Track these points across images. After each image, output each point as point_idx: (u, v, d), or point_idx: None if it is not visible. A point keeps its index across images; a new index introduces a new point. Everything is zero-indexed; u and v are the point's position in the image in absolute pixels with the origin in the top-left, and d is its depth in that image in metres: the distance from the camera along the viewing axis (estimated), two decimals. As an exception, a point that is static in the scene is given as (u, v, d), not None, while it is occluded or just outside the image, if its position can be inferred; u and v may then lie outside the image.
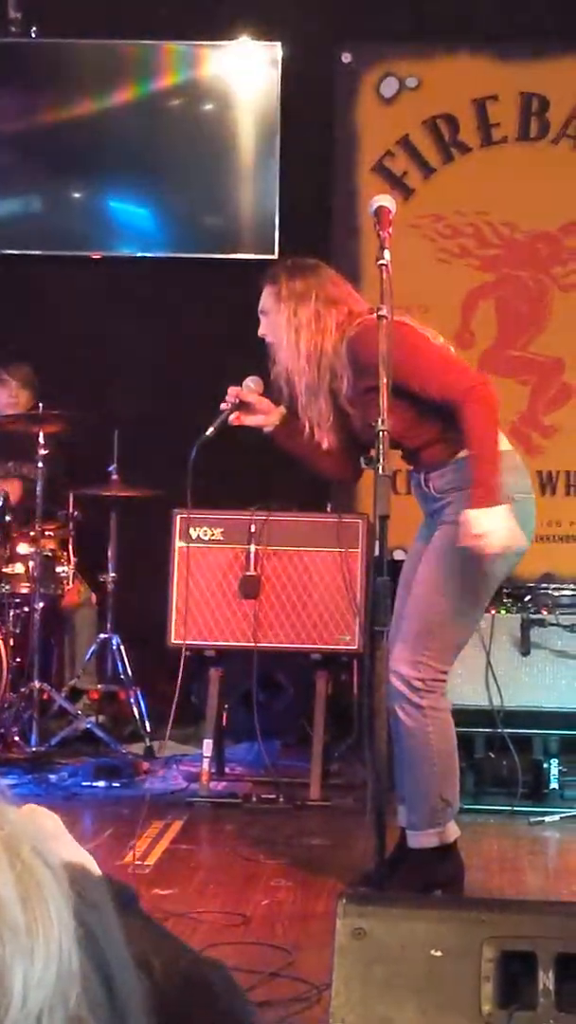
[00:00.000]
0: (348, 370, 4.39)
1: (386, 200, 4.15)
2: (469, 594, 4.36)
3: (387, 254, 4.00)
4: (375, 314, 3.96)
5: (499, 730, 5.64)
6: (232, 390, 4.63)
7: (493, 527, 4.14)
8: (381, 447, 3.84)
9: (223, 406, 4.64)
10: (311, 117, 7.62)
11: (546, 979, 2.64)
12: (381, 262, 3.99)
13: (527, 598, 6.08)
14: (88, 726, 6.35)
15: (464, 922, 2.75)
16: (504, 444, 4.43)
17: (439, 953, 2.71)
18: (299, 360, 4.45)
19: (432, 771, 4.34)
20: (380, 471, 3.83)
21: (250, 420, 4.66)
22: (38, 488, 6.43)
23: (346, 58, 7.64)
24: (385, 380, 3.86)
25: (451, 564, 4.32)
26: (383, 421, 3.86)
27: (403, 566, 4.61)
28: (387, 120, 7.67)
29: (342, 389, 4.42)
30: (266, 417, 4.64)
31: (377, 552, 3.85)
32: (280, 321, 4.49)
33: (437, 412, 4.34)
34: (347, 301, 4.49)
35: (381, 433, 3.86)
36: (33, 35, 7.67)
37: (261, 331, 4.58)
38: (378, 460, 3.84)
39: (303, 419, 4.50)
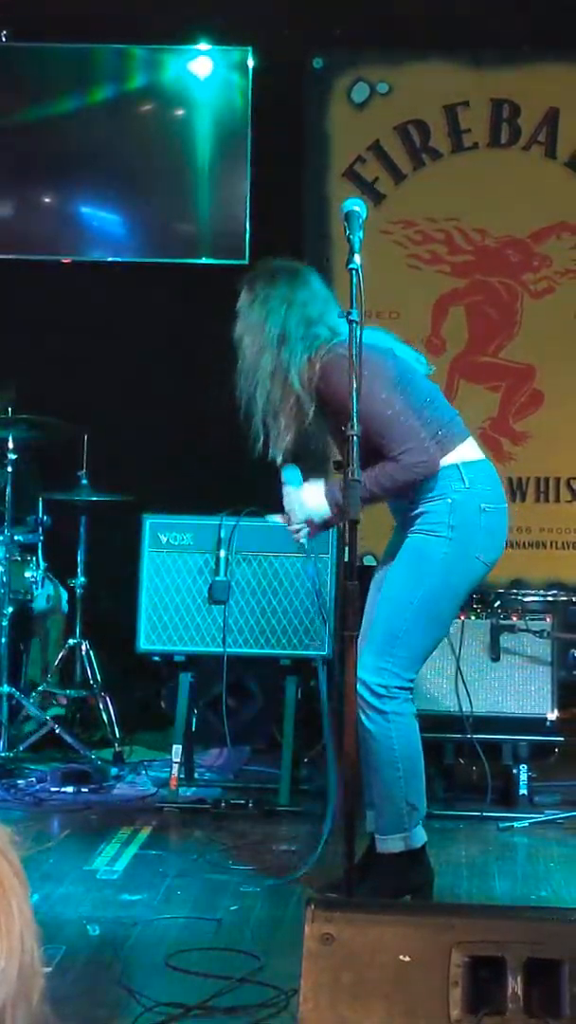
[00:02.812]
0: (314, 393, 4.36)
1: (357, 204, 4.15)
2: (437, 603, 4.36)
3: (358, 259, 4.00)
4: (347, 317, 3.95)
5: (469, 736, 5.64)
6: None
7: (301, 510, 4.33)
8: (352, 452, 3.84)
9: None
10: (282, 122, 7.62)
11: (515, 984, 2.63)
12: (351, 267, 3.99)
13: (497, 604, 6.09)
14: (57, 731, 6.32)
15: (433, 927, 2.74)
16: (477, 453, 4.45)
17: (408, 958, 2.70)
18: (265, 377, 4.40)
19: (396, 776, 4.34)
20: (350, 476, 3.82)
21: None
22: (7, 493, 6.40)
23: (317, 63, 7.65)
24: (356, 386, 3.86)
25: (420, 573, 4.32)
26: (354, 426, 3.85)
27: (374, 575, 4.61)
28: (358, 126, 7.68)
29: (307, 411, 4.39)
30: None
31: (347, 557, 3.85)
32: (250, 330, 4.45)
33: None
34: (322, 318, 4.42)
35: (352, 438, 3.86)
36: (3, 39, 7.65)
37: (236, 332, 4.51)
38: (348, 465, 3.84)
39: (258, 429, 4.45)
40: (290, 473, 4.41)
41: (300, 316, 4.37)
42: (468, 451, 4.43)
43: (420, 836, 4.41)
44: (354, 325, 3.91)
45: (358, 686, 4.26)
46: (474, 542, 4.36)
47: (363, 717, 4.28)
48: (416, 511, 4.37)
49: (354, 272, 3.97)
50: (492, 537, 4.43)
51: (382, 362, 4.31)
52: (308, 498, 4.36)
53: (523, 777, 5.75)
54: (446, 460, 4.36)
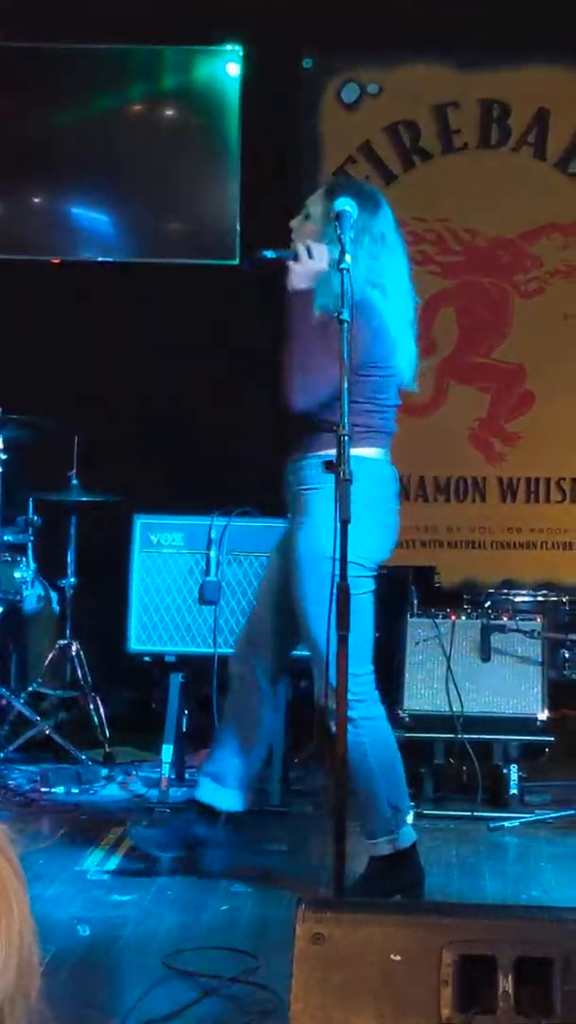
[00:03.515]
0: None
1: (348, 204, 4.15)
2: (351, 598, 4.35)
3: (348, 258, 4.00)
4: (338, 317, 3.95)
5: (459, 736, 5.64)
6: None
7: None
8: (345, 452, 3.84)
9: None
10: (273, 123, 7.62)
11: (505, 983, 2.63)
12: (343, 267, 3.99)
13: (487, 604, 6.10)
14: (47, 732, 6.31)
15: (423, 927, 2.74)
16: (375, 453, 4.41)
17: (398, 958, 2.70)
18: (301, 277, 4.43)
19: (374, 781, 4.35)
20: (341, 476, 3.82)
21: None
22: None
23: (307, 64, 7.65)
24: (346, 384, 3.86)
25: (322, 577, 4.30)
26: (344, 427, 3.85)
27: (267, 570, 4.66)
28: (349, 126, 7.68)
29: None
30: None
31: (339, 557, 3.85)
32: (308, 236, 4.48)
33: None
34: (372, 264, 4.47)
35: (342, 438, 3.86)
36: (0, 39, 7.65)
37: (294, 223, 4.59)
38: (339, 465, 3.84)
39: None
40: None
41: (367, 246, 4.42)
42: (369, 451, 4.42)
43: (408, 835, 4.42)
44: (344, 325, 3.92)
45: (322, 699, 4.31)
46: (358, 535, 4.33)
47: (334, 728, 4.31)
48: (300, 496, 4.40)
49: (345, 272, 3.97)
50: (376, 531, 4.41)
51: (379, 331, 4.33)
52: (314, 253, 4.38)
53: (513, 777, 5.75)
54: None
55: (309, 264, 4.36)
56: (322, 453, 4.28)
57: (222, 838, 4.63)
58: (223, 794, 4.60)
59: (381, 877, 4.36)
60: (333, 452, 4.25)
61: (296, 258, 4.40)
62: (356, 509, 4.26)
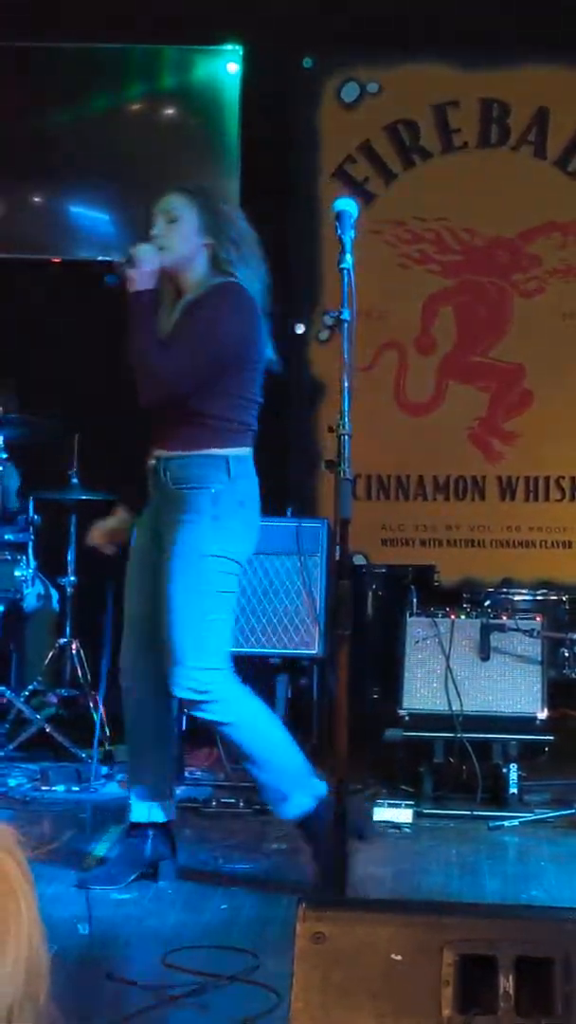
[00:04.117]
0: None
1: (348, 204, 4.16)
2: (209, 598, 4.36)
3: (349, 258, 4.01)
4: (337, 316, 3.96)
5: (458, 735, 5.65)
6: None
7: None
8: (343, 451, 3.85)
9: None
10: (272, 122, 7.62)
11: (506, 983, 2.63)
12: (343, 266, 4.00)
13: (486, 603, 6.10)
14: (47, 730, 6.32)
15: (424, 926, 2.74)
16: (247, 452, 4.43)
17: (399, 957, 2.70)
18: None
19: (269, 742, 4.40)
20: (342, 475, 3.83)
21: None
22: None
23: (307, 63, 7.65)
24: (348, 384, 3.86)
25: (193, 568, 4.32)
26: (345, 426, 3.86)
27: (130, 561, 4.70)
28: (348, 125, 7.69)
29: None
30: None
31: (339, 556, 3.85)
32: (181, 237, 4.58)
33: (221, 395, 4.39)
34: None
35: (342, 437, 3.86)
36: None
37: (155, 231, 4.65)
38: (340, 464, 3.85)
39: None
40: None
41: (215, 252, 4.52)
42: (243, 450, 4.44)
43: (320, 785, 4.44)
44: (345, 324, 3.92)
45: (180, 692, 4.39)
46: (235, 533, 4.36)
47: (206, 716, 4.42)
48: (178, 495, 4.39)
49: (346, 272, 3.98)
50: (249, 529, 4.44)
51: (253, 324, 4.36)
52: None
53: (513, 776, 5.75)
54: (220, 450, 4.37)
55: (144, 268, 4.49)
56: (212, 451, 4.36)
57: (171, 848, 4.65)
58: (156, 808, 4.61)
59: (325, 821, 4.37)
60: (218, 450, 4.33)
61: (133, 264, 4.45)
62: (231, 506, 4.29)
